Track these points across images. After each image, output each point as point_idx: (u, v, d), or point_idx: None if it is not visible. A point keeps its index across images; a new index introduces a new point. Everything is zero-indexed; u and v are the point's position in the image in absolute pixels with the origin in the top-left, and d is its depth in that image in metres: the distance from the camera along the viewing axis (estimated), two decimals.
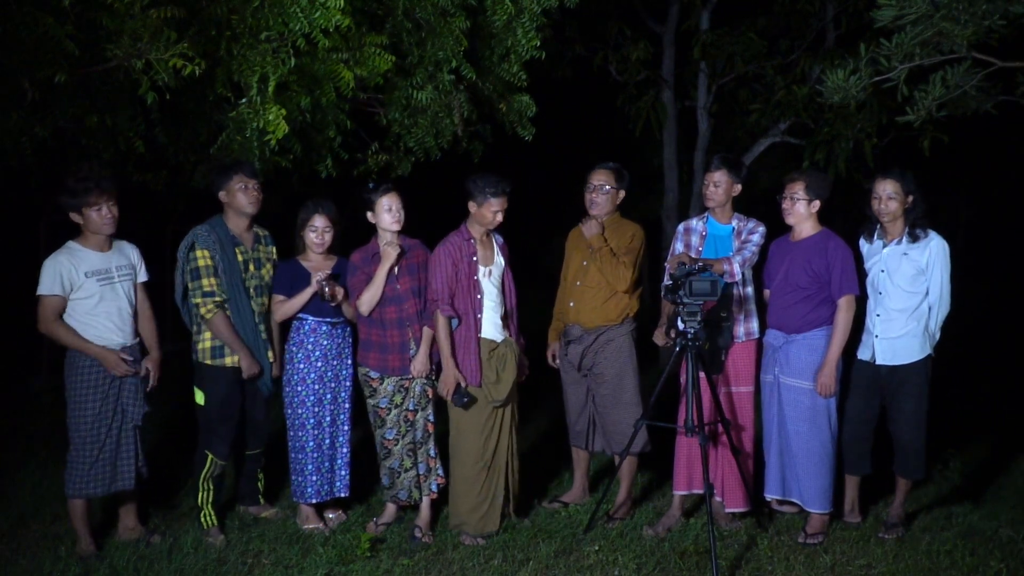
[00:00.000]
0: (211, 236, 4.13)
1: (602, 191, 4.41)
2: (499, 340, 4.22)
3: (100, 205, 3.91)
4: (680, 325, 3.99)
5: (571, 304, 4.48)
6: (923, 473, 4.33)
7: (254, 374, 4.17)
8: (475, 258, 4.18)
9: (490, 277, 4.21)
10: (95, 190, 3.89)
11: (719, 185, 4.28)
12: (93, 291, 3.92)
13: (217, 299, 4.09)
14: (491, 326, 4.20)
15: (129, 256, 4.13)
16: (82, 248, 3.96)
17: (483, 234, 4.23)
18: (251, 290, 4.24)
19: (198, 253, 4.10)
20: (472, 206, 4.16)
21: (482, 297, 4.17)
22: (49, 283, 3.87)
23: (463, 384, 4.11)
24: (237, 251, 4.20)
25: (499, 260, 4.27)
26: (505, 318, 4.28)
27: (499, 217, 4.16)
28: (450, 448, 4.27)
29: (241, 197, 4.18)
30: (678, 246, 4.44)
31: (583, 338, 4.46)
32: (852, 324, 4.15)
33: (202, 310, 4.09)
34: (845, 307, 4.11)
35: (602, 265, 4.33)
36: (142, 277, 4.17)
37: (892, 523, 4.27)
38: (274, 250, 4.42)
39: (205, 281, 4.08)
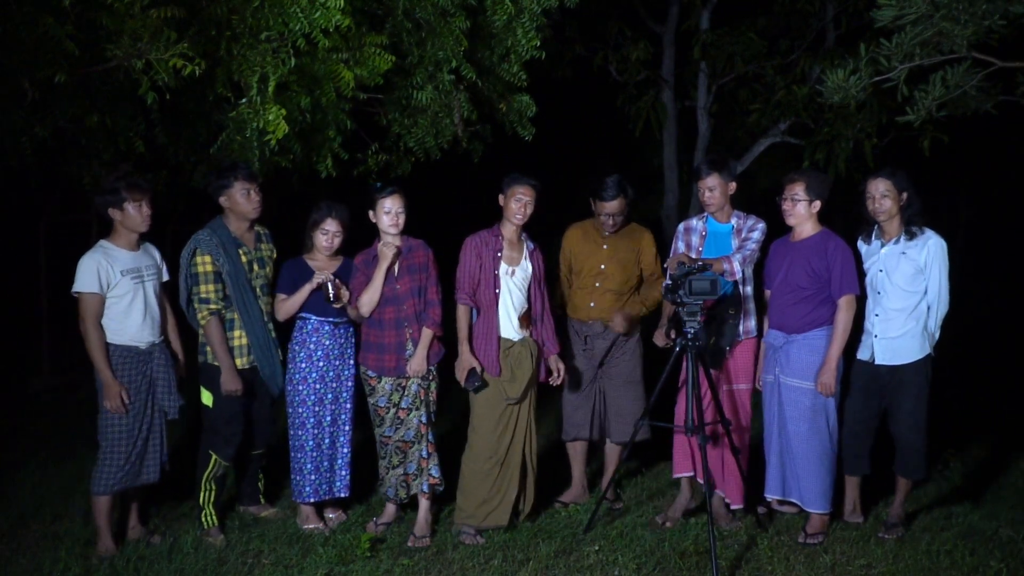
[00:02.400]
0: (213, 240, 4.12)
1: (620, 219, 4.50)
2: (515, 339, 4.27)
3: (141, 202, 3.97)
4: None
5: (591, 304, 4.56)
6: (924, 473, 4.33)
7: (230, 391, 4.14)
8: (499, 254, 4.23)
9: (512, 277, 4.25)
10: (137, 187, 3.96)
11: (714, 189, 4.31)
12: (127, 289, 3.96)
13: (212, 306, 4.10)
14: (507, 325, 4.25)
15: (154, 256, 4.18)
16: (115, 247, 4.00)
17: (514, 235, 4.29)
18: (257, 289, 4.25)
19: (198, 259, 4.10)
20: (501, 199, 4.27)
21: (500, 293, 4.22)
22: (89, 280, 3.88)
23: (478, 370, 4.16)
24: (240, 252, 4.20)
25: (526, 264, 4.30)
26: (525, 320, 4.30)
27: (526, 208, 4.23)
28: (467, 443, 4.31)
29: (244, 203, 4.18)
30: (679, 246, 4.47)
31: (606, 334, 4.56)
32: (852, 324, 4.15)
33: (198, 316, 4.12)
34: (845, 307, 4.11)
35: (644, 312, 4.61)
36: (164, 276, 4.21)
37: (892, 523, 4.27)
38: (273, 247, 4.43)
39: (203, 287, 4.09)
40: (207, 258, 4.10)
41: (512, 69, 4.86)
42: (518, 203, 4.22)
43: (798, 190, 4.17)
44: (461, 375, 4.18)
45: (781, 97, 7.32)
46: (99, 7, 3.59)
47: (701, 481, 4.30)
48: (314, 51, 4.06)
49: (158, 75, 3.73)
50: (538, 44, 4.75)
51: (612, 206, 4.44)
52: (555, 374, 4.40)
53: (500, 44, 4.80)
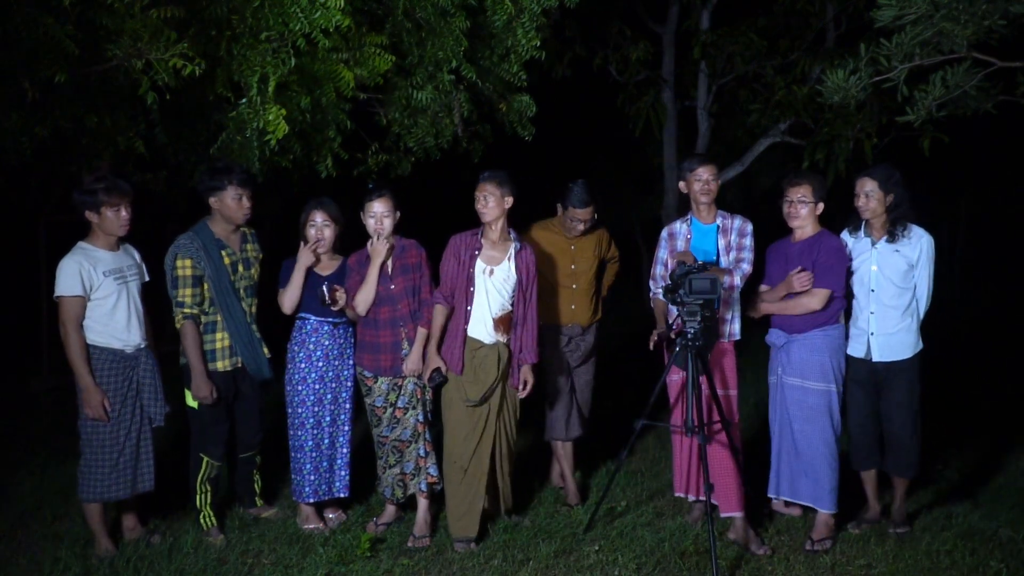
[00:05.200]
0: (194, 244, 4.09)
1: (589, 222, 4.54)
2: (486, 342, 4.15)
3: (119, 206, 3.93)
4: (677, 325, 3.99)
5: (572, 307, 4.58)
6: (916, 470, 4.28)
7: (201, 397, 4.10)
8: (477, 252, 4.14)
9: (490, 276, 4.12)
10: (116, 190, 3.91)
11: (709, 181, 4.29)
12: (111, 290, 3.93)
13: (185, 311, 4.06)
14: (480, 325, 4.14)
15: (133, 256, 4.15)
16: (95, 248, 3.96)
17: (496, 234, 4.17)
18: (241, 291, 4.23)
19: (178, 263, 4.06)
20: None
21: (474, 291, 4.14)
22: (70, 284, 3.84)
23: (443, 369, 4.16)
24: (224, 254, 4.16)
25: (508, 266, 4.14)
26: (503, 323, 4.16)
27: (486, 202, 4.10)
28: None
29: (234, 208, 4.16)
30: (661, 254, 4.45)
31: (585, 336, 4.64)
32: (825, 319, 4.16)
33: (175, 319, 4.09)
34: (816, 295, 4.08)
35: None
36: (145, 277, 4.18)
37: (897, 522, 4.28)
38: (259, 247, 4.40)
39: (180, 291, 4.06)
40: (187, 262, 4.06)
41: (512, 69, 4.85)
42: (477, 201, 4.15)
43: (804, 192, 4.15)
44: (426, 372, 4.18)
45: (781, 97, 7.30)
46: (99, 7, 3.59)
47: (697, 497, 4.30)
48: (314, 51, 4.05)
49: (158, 75, 3.73)
50: (538, 44, 4.74)
51: (584, 213, 4.46)
52: (523, 386, 4.20)
53: (500, 44, 4.79)
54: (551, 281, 4.58)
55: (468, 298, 4.14)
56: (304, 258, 4.22)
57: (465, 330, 4.14)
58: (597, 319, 4.75)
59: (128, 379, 3.99)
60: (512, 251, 4.17)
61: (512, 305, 4.18)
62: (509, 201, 4.14)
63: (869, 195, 4.12)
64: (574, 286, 4.59)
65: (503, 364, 4.17)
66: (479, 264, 4.13)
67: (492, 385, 4.15)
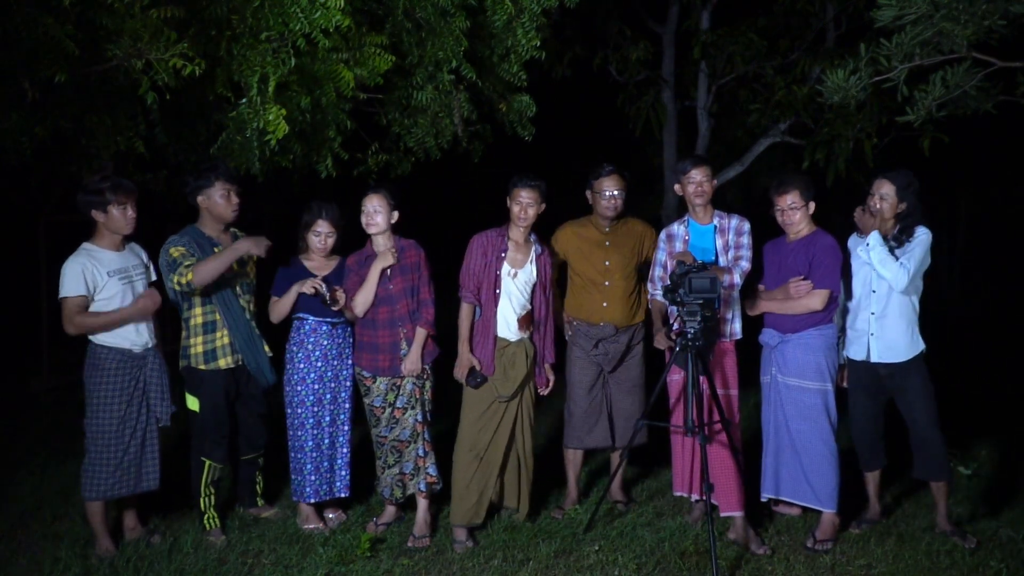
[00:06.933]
0: (183, 238, 4.09)
1: (620, 198, 4.49)
2: (511, 340, 4.25)
3: (125, 204, 3.95)
4: (678, 325, 3.98)
5: (604, 305, 4.50)
6: (949, 471, 4.24)
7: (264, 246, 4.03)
8: (503, 254, 4.21)
9: (514, 279, 4.22)
10: (122, 189, 3.93)
11: (703, 183, 4.27)
12: (116, 290, 3.93)
13: (187, 262, 3.98)
14: (504, 325, 4.23)
15: (140, 256, 4.15)
16: (99, 249, 3.97)
17: (522, 236, 4.26)
18: (238, 288, 4.23)
19: (172, 250, 4.04)
20: (508, 201, 4.25)
21: (500, 293, 4.20)
22: (73, 284, 3.84)
23: (477, 367, 4.18)
24: (216, 251, 4.14)
25: (530, 268, 4.25)
26: (525, 322, 4.26)
27: (527, 211, 4.18)
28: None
29: (223, 205, 4.15)
30: (660, 256, 4.45)
31: (619, 337, 4.52)
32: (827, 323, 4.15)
33: (185, 279, 3.95)
34: (816, 296, 4.08)
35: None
36: (152, 277, 4.19)
37: (952, 532, 4.20)
38: None
39: (181, 266, 3.98)
40: (180, 248, 4.05)
41: (512, 69, 4.85)
42: (518, 206, 4.19)
43: (793, 199, 4.14)
44: (461, 373, 4.20)
45: (781, 97, 7.30)
46: (99, 7, 3.59)
47: (697, 497, 4.29)
48: (314, 51, 4.05)
49: (158, 75, 3.73)
50: (538, 44, 4.74)
51: (611, 182, 4.44)
52: (546, 384, 4.41)
53: (500, 44, 4.80)
54: (583, 278, 4.55)
55: (496, 300, 4.20)
56: (304, 288, 4.17)
57: (495, 331, 4.22)
58: (637, 321, 4.58)
59: (135, 379, 4.00)
60: (533, 254, 4.28)
61: (532, 305, 4.29)
62: (542, 207, 4.24)
63: (884, 198, 4.10)
64: (606, 283, 4.49)
65: (530, 360, 4.27)
66: (505, 267, 4.21)
67: (523, 380, 4.24)
